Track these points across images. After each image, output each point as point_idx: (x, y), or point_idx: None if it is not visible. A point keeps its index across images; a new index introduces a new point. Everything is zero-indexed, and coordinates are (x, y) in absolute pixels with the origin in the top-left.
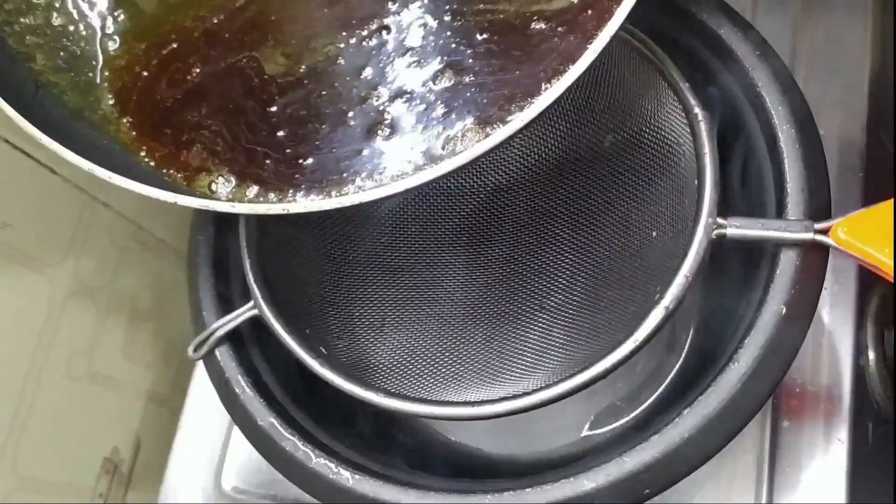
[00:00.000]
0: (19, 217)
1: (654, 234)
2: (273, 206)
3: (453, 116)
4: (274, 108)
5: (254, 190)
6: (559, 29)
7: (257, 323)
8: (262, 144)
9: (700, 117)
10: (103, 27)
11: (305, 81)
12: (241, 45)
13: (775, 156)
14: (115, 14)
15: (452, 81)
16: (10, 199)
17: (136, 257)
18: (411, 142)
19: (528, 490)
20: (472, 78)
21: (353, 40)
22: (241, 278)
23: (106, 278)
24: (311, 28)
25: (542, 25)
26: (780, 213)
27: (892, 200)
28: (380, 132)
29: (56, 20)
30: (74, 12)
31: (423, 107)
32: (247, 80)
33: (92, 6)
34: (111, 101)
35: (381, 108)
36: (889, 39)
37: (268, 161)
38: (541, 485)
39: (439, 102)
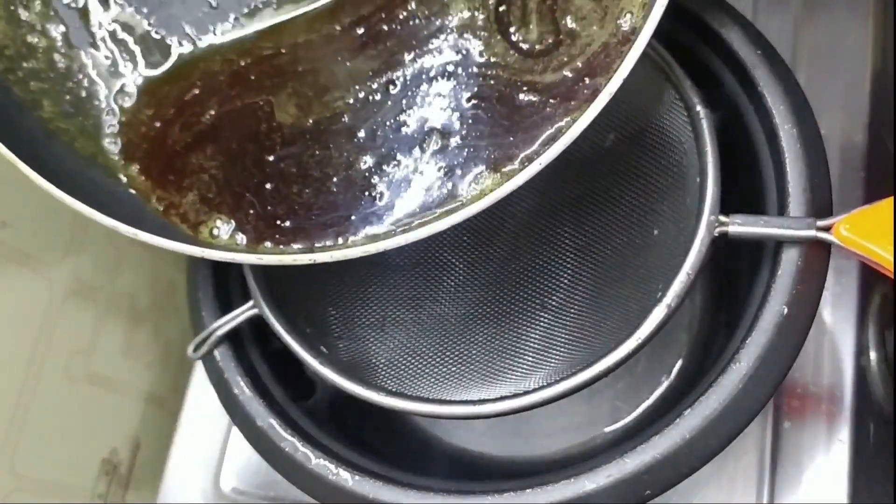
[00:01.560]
0: (17, 216)
1: (656, 232)
2: (300, 257)
3: (458, 172)
4: (271, 158)
5: (244, 238)
6: (551, 101)
7: (256, 323)
8: (249, 191)
9: (702, 115)
10: (114, 68)
11: (307, 136)
12: (262, 88)
13: (776, 155)
14: (124, 56)
15: (439, 145)
16: (8, 198)
17: (134, 257)
18: (414, 202)
19: (528, 491)
20: (459, 141)
21: (361, 94)
22: (240, 278)
23: (105, 278)
24: (330, 81)
25: (533, 98)
26: (781, 212)
27: (893, 197)
28: (369, 197)
29: (60, 63)
30: (82, 53)
31: (416, 170)
32: (255, 124)
33: (95, 46)
34: (119, 147)
35: (368, 174)
36: (890, 39)
37: (251, 211)
38: (541, 486)
39: (433, 164)
